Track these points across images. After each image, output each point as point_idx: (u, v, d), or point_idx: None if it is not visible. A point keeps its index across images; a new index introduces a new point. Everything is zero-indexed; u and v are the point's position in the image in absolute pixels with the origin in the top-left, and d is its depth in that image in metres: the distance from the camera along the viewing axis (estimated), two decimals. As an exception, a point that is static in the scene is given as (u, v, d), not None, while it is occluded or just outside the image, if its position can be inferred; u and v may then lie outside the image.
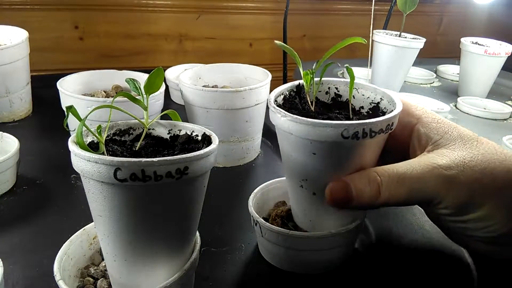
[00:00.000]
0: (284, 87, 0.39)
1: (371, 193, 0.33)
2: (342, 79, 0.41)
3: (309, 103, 0.38)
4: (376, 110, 0.38)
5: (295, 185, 0.37)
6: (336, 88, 0.41)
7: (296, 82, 0.40)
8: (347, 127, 0.31)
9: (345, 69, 0.38)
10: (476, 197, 0.32)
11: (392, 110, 0.35)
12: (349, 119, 0.37)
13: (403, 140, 0.37)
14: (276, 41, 0.39)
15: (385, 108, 0.38)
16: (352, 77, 0.37)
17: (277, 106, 0.35)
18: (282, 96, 0.39)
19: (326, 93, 0.41)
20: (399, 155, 0.37)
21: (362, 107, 0.40)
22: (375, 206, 0.34)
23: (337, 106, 0.40)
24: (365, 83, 0.39)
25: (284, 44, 0.39)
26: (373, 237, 0.46)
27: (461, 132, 0.35)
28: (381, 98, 0.38)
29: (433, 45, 1.16)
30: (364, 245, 0.44)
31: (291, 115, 0.33)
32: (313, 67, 0.37)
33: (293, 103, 0.38)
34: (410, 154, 0.37)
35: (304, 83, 0.38)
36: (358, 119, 0.33)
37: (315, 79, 0.38)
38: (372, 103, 0.39)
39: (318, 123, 0.31)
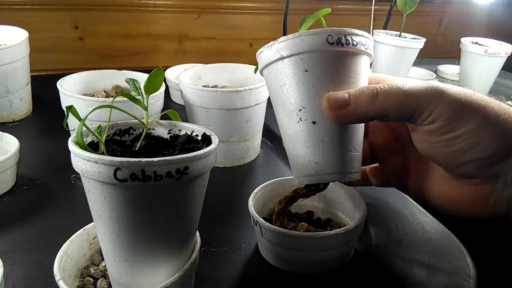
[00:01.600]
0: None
1: (366, 97, 0.34)
2: None
3: None
4: None
5: (293, 122, 0.36)
6: None
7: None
8: (331, 32, 0.34)
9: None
10: (465, 109, 0.33)
11: None
12: None
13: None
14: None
15: None
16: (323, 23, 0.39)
17: None
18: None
19: None
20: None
21: None
22: (371, 114, 0.34)
23: None
24: None
25: None
26: (373, 237, 0.46)
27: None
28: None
29: (433, 45, 1.16)
30: (364, 245, 0.44)
31: (280, 38, 0.35)
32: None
33: None
34: None
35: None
36: None
37: None
38: None
39: (305, 32, 0.34)
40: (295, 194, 0.39)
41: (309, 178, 0.37)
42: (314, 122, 0.35)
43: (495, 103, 0.33)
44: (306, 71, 0.35)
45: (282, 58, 0.35)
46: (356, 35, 0.35)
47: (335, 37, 0.34)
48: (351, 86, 0.35)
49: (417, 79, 1.03)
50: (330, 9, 0.40)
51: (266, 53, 0.36)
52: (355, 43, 0.35)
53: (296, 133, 0.36)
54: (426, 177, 0.38)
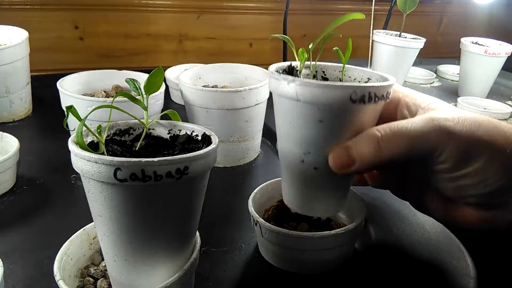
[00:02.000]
0: (277, 65, 0.38)
1: (371, 149, 0.33)
2: (329, 63, 0.40)
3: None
4: None
5: (295, 161, 0.36)
6: (323, 72, 0.41)
7: (288, 63, 0.39)
8: (356, 89, 0.31)
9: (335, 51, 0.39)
10: (473, 148, 0.32)
11: None
12: None
13: (389, 113, 0.38)
14: (274, 35, 0.38)
15: None
16: (343, 59, 0.37)
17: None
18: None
19: (314, 77, 0.41)
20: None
21: None
22: (378, 165, 0.34)
23: None
24: (352, 66, 0.40)
25: (284, 36, 0.38)
26: (373, 237, 0.46)
27: (444, 102, 0.37)
28: (368, 78, 0.38)
29: (433, 45, 1.16)
30: (364, 245, 0.44)
31: (301, 79, 0.32)
32: (310, 47, 0.37)
33: None
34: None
35: (299, 62, 0.38)
36: None
37: (306, 62, 0.38)
38: (361, 82, 0.39)
39: (329, 85, 0.31)
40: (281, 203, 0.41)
41: (299, 209, 0.38)
42: (316, 168, 0.35)
43: (502, 135, 0.32)
44: (321, 121, 0.33)
45: (298, 100, 0.32)
46: (382, 87, 0.32)
47: (359, 94, 0.31)
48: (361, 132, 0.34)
49: (417, 79, 1.04)
50: (364, 15, 0.38)
51: (281, 85, 0.33)
52: (377, 99, 0.32)
53: (295, 168, 0.36)
54: (426, 193, 0.38)
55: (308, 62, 0.39)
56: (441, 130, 0.32)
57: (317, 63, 0.40)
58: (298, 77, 0.38)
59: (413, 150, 0.33)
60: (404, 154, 0.33)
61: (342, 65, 0.38)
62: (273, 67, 0.37)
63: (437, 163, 0.33)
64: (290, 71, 0.39)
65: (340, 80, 0.40)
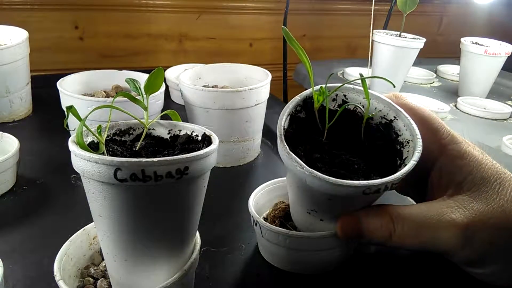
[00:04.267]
0: (289, 106, 0.36)
1: (382, 236, 0.32)
2: (350, 86, 0.38)
3: (318, 122, 0.36)
4: (388, 129, 0.36)
5: (302, 210, 0.37)
6: (344, 95, 0.38)
7: (302, 96, 0.37)
8: (370, 186, 0.30)
9: (346, 70, 0.38)
10: (488, 257, 0.32)
11: (409, 141, 0.34)
12: (361, 145, 0.36)
13: (423, 168, 0.36)
14: (283, 27, 0.36)
15: (399, 131, 0.35)
16: (366, 89, 0.35)
17: (285, 133, 0.34)
18: (288, 117, 0.36)
19: (333, 100, 0.39)
20: (416, 178, 0.36)
21: (371, 118, 0.37)
22: (386, 246, 0.33)
23: (346, 119, 0.37)
24: (378, 93, 0.37)
25: (288, 33, 0.35)
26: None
27: (484, 174, 0.33)
28: (394, 117, 0.36)
29: (433, 45, 1.16)
30: (364, 245, 0.44)
31: (311, 170, 0.31)
32: (325, 85, 0.36)
33: (300, 123, 0.36)
34: (429, 188, 0.36)
35: (315, 102, 0.36)
36: (370, 149, 0.34)
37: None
38: (384, 119, 0.37)
39: (340, 183, 0.30)
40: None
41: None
42: (322, 220, 0.36)
43: None
44: (330, 200, 0.33)
45: (306, 183, 0.32)
46: (399, 178, 0.31)
47: (373, 189, 0.30)
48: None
49: (417, 79, 1.04)
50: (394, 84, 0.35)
51: (289, 161, 0.32)
52: (394, 185, 0.31)
53: (302, 215, 0.38)
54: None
55: (329, 90, 0.37)
56: (457, 237, 0.31)
57: (337, 85, 0.38)
58: (314, 111, 0.36)
59: (425, 248, 0.32)
60: (416, 248, 0.33)
61: (369, 96, 0.36)
62: (283, 116, 0.34)
63: (452, 258, 0.33)
64: (304, 106, 0.37)
65: (362, 115, 0.37)
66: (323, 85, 0.36)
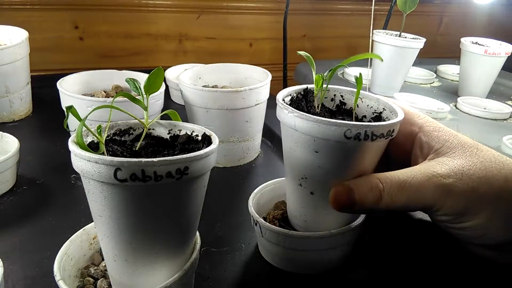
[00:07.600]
0: (292, 89, 0.40)
1: (373, 199, 0.34)
2: (348, 88, 0.41)
3: (316, 106, 0.39)
4: (378, 119, 0.39)
5: (294, 183, 0.38)
6: (342, 96, 0.41)
7: (304, 86, 0.40)
8: (350, 127, 0.32)
9: (346, 70, 0.38)
10: (472, 206, 0.33)
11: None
12: None
13: (406, 148, 0.38)
14: (300, 52, 0.39)
15: (387, 117, 0.38)
16: (360, 86, 0.37)
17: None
18: (289, 97, 0.39)
19: (332, 100, 0.42)
20: (402, 162, 0.38)
21: (365, 116, 0.40)
22: (376, 211, 0.35)
23: (341, 113, 0.40)
24: (369, 93, 0.40)
25: (307, 54, 0.38)
26: (373, 237, 0.46)
27: (461, 140, 0.36)
28: (383, 108, 0.39)
29: (433, 45, 1.16)
30: (364, 245, 0.44)
31: (298, 111, 0.34)
32: (325, 74, 0.38)
33: (299, 105, 0.39)
34: (412, 162, 0.38)
35: (315, 87, 0.38)
36: None
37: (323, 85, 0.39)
38: (375, 112, 0.39)
39: (323, 121, 0.32)
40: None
41: (297, 227, 0.40)
42: (312, 193, 0.37)
43: (508, 191, 0.33)
44: (316, 152, 0.34)
45: (296, 130, 0.34)
46: (380, 126, 0.32)
47: (354, 132, 0.32)
48: (359, 170, 0.35)
49: (417, 79, 1.04)
50: (382, 59, 0.40)
51: (283, 114, 0.35)
52: (375, 137, 0.33)
53: (295, 192, 0.38)
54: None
55: (324, 85, 0.39)
56: (440, 188, 0.33)
57: (336, 87, 0.41)
58: (313, 101, 0.39)
59: (411, 203, 0.34)
60: (403, 207, 0.34)
61: (360, 91, 0.38)
62: (281, 93, 0.38)
63: (436, 215, 0.34)
64: (306, 94, 0.40)
65: (355, 107, 0.40)
66: (322, 74, 0.38)
